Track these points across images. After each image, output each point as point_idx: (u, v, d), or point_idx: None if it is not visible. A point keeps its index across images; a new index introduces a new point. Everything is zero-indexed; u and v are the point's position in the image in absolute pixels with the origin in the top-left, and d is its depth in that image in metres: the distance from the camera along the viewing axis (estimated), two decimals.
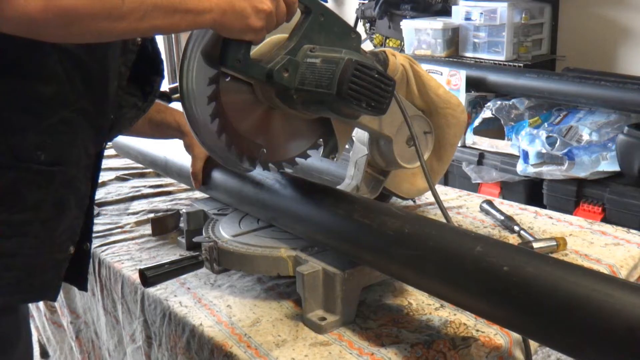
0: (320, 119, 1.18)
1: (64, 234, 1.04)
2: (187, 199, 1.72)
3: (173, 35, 4.81)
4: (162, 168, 1.67)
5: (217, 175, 1.37)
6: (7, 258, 0.96)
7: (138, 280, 1.17)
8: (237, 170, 1.17)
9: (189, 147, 1.37)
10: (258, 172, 1.26)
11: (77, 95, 0.98)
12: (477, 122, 2.84)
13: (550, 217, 1.47)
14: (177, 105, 1.34)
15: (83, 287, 1.17)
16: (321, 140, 1.22)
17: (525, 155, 2.52)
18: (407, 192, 1.41)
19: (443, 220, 1.07)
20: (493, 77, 2.83)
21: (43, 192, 0.97)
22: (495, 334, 1.00)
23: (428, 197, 1.59)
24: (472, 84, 2.87)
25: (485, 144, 2.80)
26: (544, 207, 2.38)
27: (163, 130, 1.39)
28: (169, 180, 1.84)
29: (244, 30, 0.95)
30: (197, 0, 0.90)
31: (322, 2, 1.09)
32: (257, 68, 1.01)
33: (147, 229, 1.51)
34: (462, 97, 2.87)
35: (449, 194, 1.66)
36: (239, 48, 0.98)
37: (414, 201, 1.57)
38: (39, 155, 0.95)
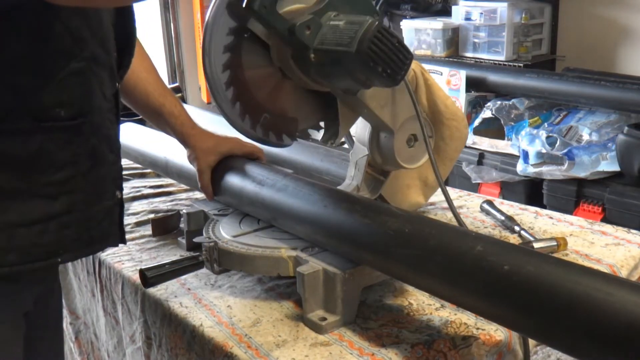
0: (327, 100, 1.19)
1: (106, 181, 1.06)
2: (187, 199, 1.72)
3: (173, 35, 4.81)
4: (162, 169, 1.67)
5: (220, 180, 1.37)
6: (63, 216, 0.98)
7: (138, 280, 1.17)
8: (250, 137, 1.19)
9: (193, 160, 1.38)
10: (259, 173, 1.26)
11: (81, 43, 0.97)
12: (477, 122, 2.85)
13: (551, 217, 1.47)
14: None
15: (122, 240, 1.17)
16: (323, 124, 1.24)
17: (525, 155, 2.52)
18: (399, 203, 1.40)
19: (444, 220, 1.07)
20: (493, 77, 2.83)
21: (74, 146, 0.98)
22: (496, 330, 1.00)
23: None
24: (472, 84, 2.87)
25: (485, 144, 2.80)
26: (544, 207, 2.38)
27: (169, 133, 1.39)
28: (169, 180, 1.84)
29: None
30: None
31: None
32: (281, 19, 1.03)
33: (148, 230, 1.51)
34: (462, 97, 2.87)
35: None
36: None
37: None
38: (59, 112, 0.95)
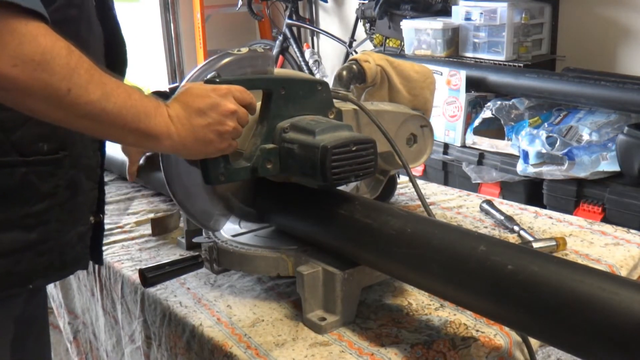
0: None
1: (82, 208, 1.06)
2: None
3: (173, 34, 4.81)
4: (121, 171, 1.73)
5: None
6: (38, 246, 0.98)
7: (138, 280, 1.17)
8: (200, 226, 1.20)
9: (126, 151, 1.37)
10: None
11: None
12: (477, 122, 2.85)
13: (550, 217, 1.47)
14: None
15: (99, 260, 1.17)
16: None
17: (525, 155, 2.52)
18: None
19: (444, 220, 1.07)
20: (493, 77, 2.83)
21: (55, 178, 0.98)
22: (495, 334, 1.00)
23: (429, 197, 1.59)
24: (472, 84, 2.87)
25: (485, 144, 2.80)
26: (544, 207, 2.38)
27: None
28: None
29: (211, 153, 0.97)
30: (153, 121, 0.89)
31: (278, 75, 1.10)
32: (241, 171, 1.03)
33: (147, 229, 1.51)
34: (462, 97, 2.87)
35: (449, 194, 1.66)
36: (217, 165, 1.00)
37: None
38: (42, 146, 0.95)
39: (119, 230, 1.55)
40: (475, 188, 2.73)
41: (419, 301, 1.11)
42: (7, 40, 0.75)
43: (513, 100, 2.80)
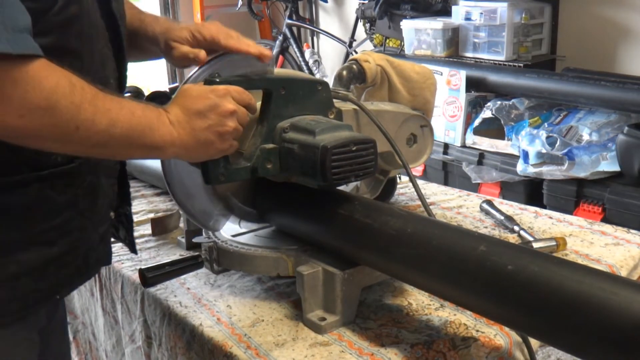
0: None
1: (102, 209, 1.04)
2: None
3: None
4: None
5: None
6: (62, 258, 0.96)
7: (138, 280, 1.17)
8: (201, 226, 1.20)
9: (166, 49, 1.14)
10: None
11: None
12: (477, 122, 2.85)
13: (550, 217, 1.47)
14: None
15: (133, 250, 1.18)
16: None
17: (525, 155, 2.52)
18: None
19: (443, 220, 1.06)
20: (493, 77, 2.84)
21: (73, 188, 0.96)
22: (495, 335, 1.00)
23: (429, 197, 1.59)
24: (472, 84, 2.88)
25: (485, 144, 2.81)
26: (544, 207, 2.38)
27: (150, 49, 1.19)
28: None
29: (212, 154, 0.97)
30: (157, 134, 0.89)
31: (278, 75, 1.10)
32: (241, 171, 1.03)
33: (147, 229, 1.51)
34: (462, 97, 2.87)
35: (449, 194, 1.66)
36: (217, 165, 1.00)
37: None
38: (55, 158, 0.92)
39: None
40: (475, 188, 2.73)
41: (419, 301, 1.11)
42: (10, 93, 0.74)
43: (513, 100, 2.80)
